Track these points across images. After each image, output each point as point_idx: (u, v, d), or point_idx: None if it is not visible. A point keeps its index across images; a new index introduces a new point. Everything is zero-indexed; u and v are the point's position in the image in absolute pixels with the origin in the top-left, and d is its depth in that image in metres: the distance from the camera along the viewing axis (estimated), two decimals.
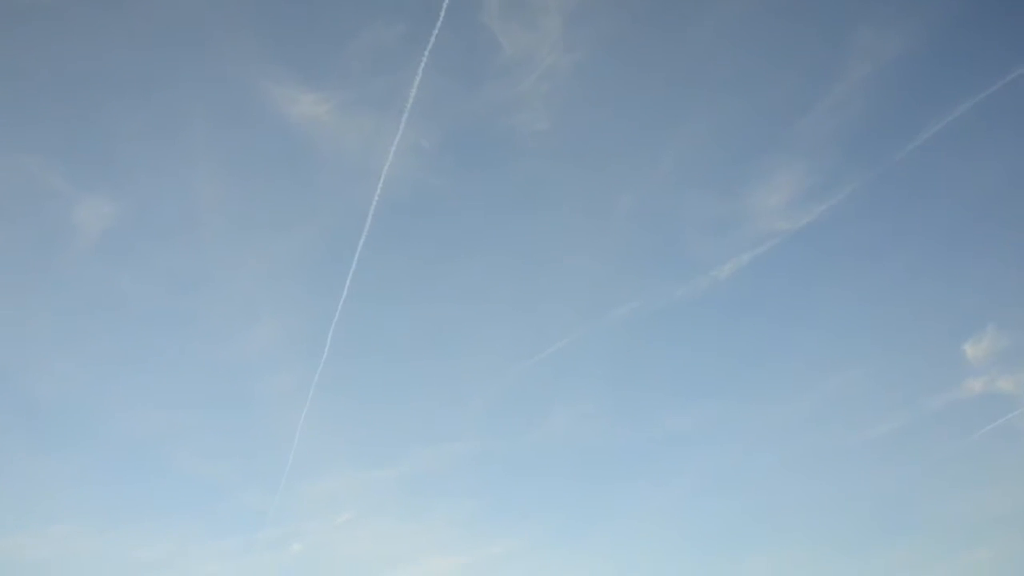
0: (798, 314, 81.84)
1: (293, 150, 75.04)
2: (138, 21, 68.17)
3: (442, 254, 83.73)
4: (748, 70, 73.81)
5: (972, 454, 68.47)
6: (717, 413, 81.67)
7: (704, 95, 74.00)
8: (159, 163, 73.37)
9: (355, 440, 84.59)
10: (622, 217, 79.25)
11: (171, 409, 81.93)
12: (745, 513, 78.54)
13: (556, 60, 75.96)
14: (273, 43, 73.80)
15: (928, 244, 73.92)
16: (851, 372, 77.52)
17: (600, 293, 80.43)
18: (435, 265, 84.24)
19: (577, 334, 78.42)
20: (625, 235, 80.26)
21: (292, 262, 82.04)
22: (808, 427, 78.45)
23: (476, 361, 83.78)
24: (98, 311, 79.80)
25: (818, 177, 70.34)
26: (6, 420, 75.88)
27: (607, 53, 75.85)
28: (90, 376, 78.97)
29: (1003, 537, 64.68)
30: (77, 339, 79.65)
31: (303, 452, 76.11)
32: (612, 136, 75.51)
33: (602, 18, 74.89)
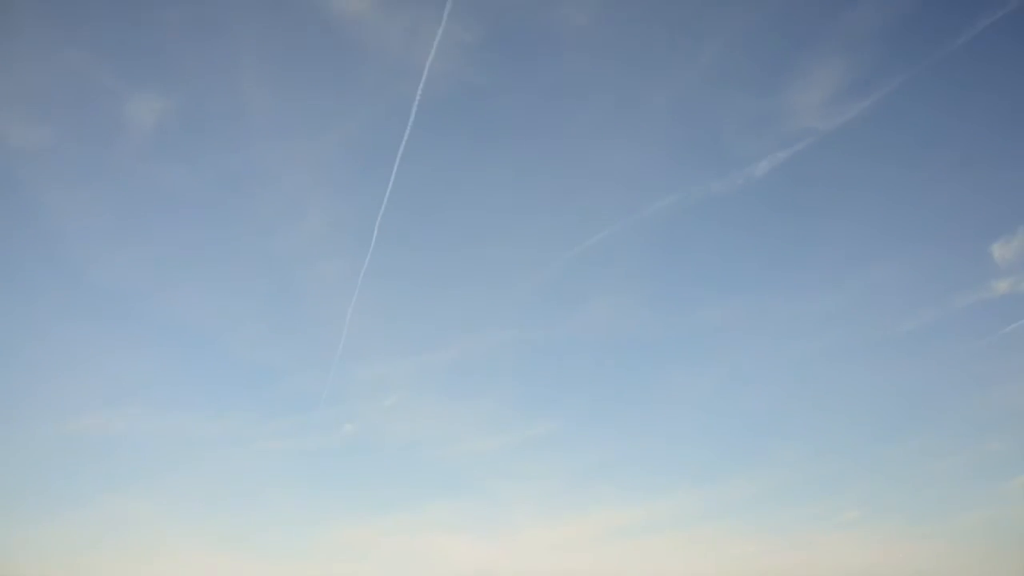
0: (831, 211, 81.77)
1: (337, 46, 75.08)
2: None
3: (484, 147, 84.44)
4: None
5: (994, 352, 69.85)
6: (749, 306, 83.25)
7: None
8: (206, 60, 74.18)
9: (402, 327, 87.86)
10: (661, 112, 78.81)
11: (227, 298, 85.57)
12: (774, 402, 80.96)
13: None
14: None
15: (963, 145, 72.76)
16: (881, 269, 78.37)
17: (638, 187, 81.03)
18: (478, 158, 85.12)
19: (616, 227, 79.69)
20: (663, 130, 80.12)
21: (339, 156, 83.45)
22: (837, 322, 79.90)
23: (518, 251, 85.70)
24: (155, 205, 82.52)
25: (857, 75, 68.93)
26: (79, 310, 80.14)
27: None
28: (151, 268, 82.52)
29: (1017, 430, 66.51)
30: (137, 233, 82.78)
31: (353, 338, 79.62)
32: (651, 31, 74.15)
33: None
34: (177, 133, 72.76)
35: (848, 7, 68.75)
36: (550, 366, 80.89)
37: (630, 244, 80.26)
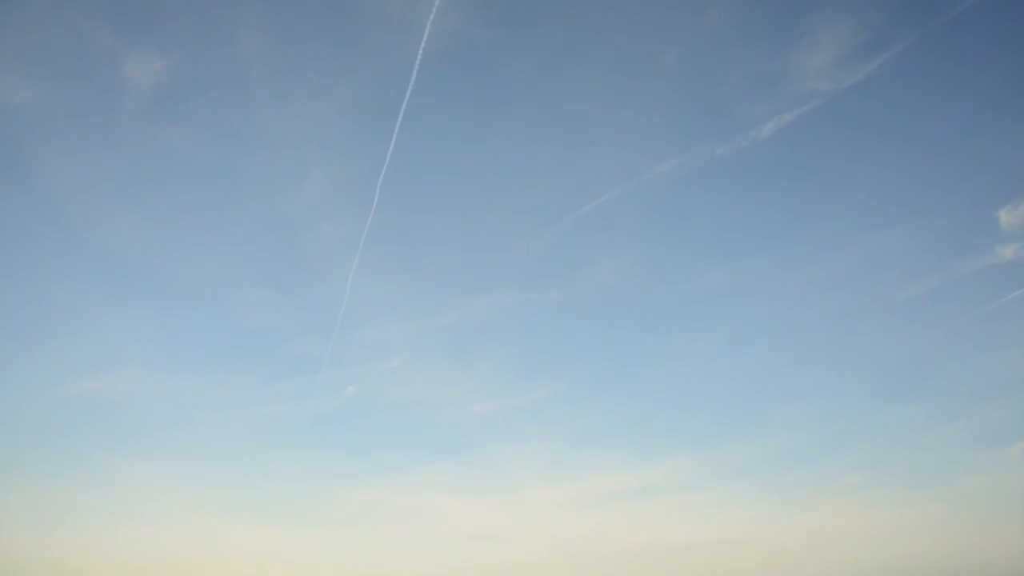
0: (837, 175, 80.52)
1: (338, 4, 73.20)
2: None
3: (487, 108, 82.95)
4: None
5: (997, 318, 69.30)
6: (753, 270, 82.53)
7: None
8: (206, 19, 72.52)
9: (404, 290, 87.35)
10: (664, 73, 77.19)
11: (229, 261, 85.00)
12: (775, 366, 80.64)
13: None
14: None
15: (972, 108, 71.20)
16: (886, 234, 77.39)
17: (642, 149, 79.75)
18: (480, 118, 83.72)
19: (618, 189, 78.71)
20: (668, 91, 78.52)
21: (339, 116, 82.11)
22: (841, 286, 79.26)
23: (520, 214, 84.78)
24: (154, 166, 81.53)
25: (865, 36, 67.16)
26: (78, 272, 79.67)
27: None
28: (153, 229, 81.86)
29: (1019, 396, 66.18)
30: (137, 194, 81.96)
31: (355, 301, 79.24)
32: None
33: None
34: (177, 93, 71.49)
35: None
36: (551, 330, 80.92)
37: (632, 208, 79.26)
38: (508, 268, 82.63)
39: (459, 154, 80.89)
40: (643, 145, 75.77)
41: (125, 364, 77.35)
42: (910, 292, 70.93)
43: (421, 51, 59.10)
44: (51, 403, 72.33)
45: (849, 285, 74.09)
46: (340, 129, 79.41)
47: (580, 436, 79.21)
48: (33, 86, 68.72)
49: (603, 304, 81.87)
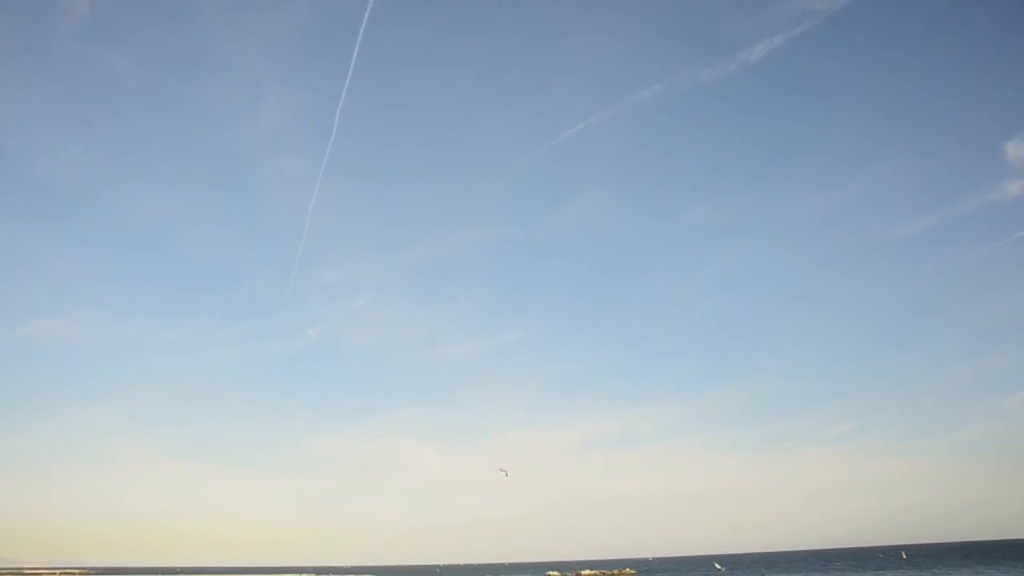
0: (832, 103, 75.81)
1: None
2: None
3: (455, 28, 77.68)
4: None
5: (1000, 259, 65.81)
6: (742, 206, 78.76)
7: None
8: None
9: (368, 225, 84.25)
10: None
11: (179, 194, 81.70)
12: (763, 309, 77.98)
13: None
14: None
15: (980, 32, 66.00)
16: (884, 167, 73.37)
17: (620, 74, 74.83)
18: (447, 40, 78.62)
19: (596, 117, 74.31)
20: (648, 10, 73.12)
21: (294, 37, 76.90)
22: (835, 224, 75.78)
23: (491, 144, 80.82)
24: (96, 93, 77.32)
25: None
26: (22, 209, 76.28)
27: None
28: (99, 160, 78.48)
29: (1020, 343, 63.32)
30: (78, 123, 78.20)
31: (315, 237, 76.47)
32: None
33: None
34: (116, 12, 65.98)
35: None
36: (526, 268, 77.63)
37: (610, 138, 74.77)
38: (479, 202, 78.75)
39: (425, 78, 75.85)
40: (621, 69, 70.77)
41: (72, 305, 74.20)
42: (908, 231, 66.98)
43: None
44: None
45: (842, 223, 70.21)
46: (295, 51, 74.29)
47: (558, 381, 76.62)
48: None
49: (581, 240, 78.23)
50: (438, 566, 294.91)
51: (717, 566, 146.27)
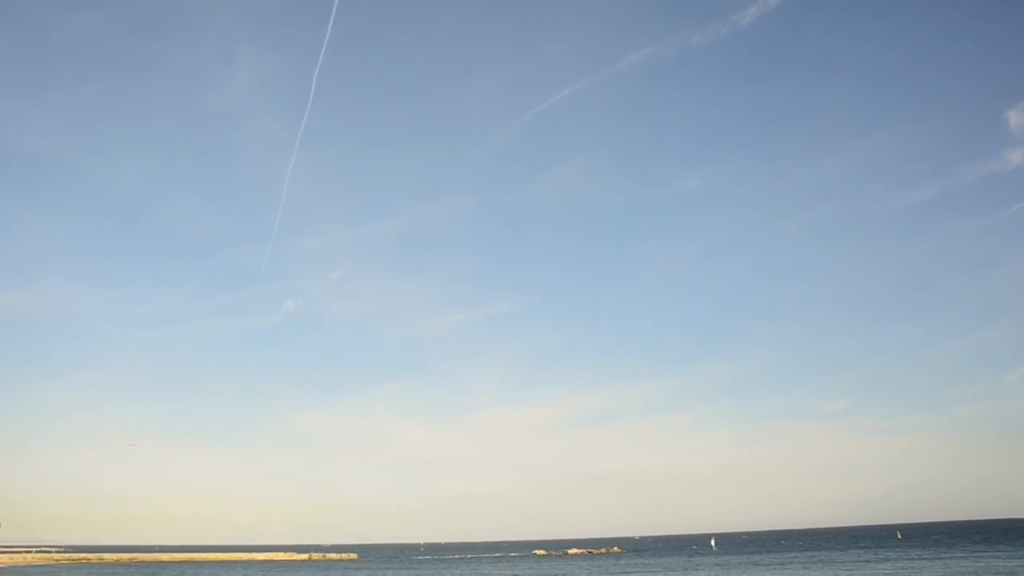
0: (827, 68, 66.06)
1: None
2: None
3: None
4: None
5: (1001, 230, 56.91)
6: (734, 174, 69.43)
7: None
8: None
9: (347, 193, 74.68)
10: None
11: (153, 162, 71.77)
12: (757, 281, 69.00)
13: None
14: None
15: None
16: (881, 136, 64.19)
17: (608, 37, 64.89)
18: (428, 2, 68.88)
19: (583, 82, 64.61)
20: None
21: None
22: (830, 194, 66.82)
23: (475, 109, 71.22)
24: (65, 56, 67.55)
25: None
26: None
27: None
28: (67, 127, 68.71)
29: (1021, 318, 55.16)
30: (48, 87, 68.53)
31: (292, 206, 66.96)
32: None
33: None
34: None
35: None
36: (511, 237, 69.56)
37: (599, 103, 65.36)
38: (463, 169, 69.42)
39: (406, 43, 65.99)
40: (609, 32, 61.13)
41: (43, 277, 64.88)
42: (905, 202, 58.02)
43: None
44: None
45: (838, 194, 61.24)
46: (270, 13, 64.27)
47: (544, 354, 68.02)
48: None
49: (567, 210, 69.19)
50: (421, 544, 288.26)
51: (713, 544, 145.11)
